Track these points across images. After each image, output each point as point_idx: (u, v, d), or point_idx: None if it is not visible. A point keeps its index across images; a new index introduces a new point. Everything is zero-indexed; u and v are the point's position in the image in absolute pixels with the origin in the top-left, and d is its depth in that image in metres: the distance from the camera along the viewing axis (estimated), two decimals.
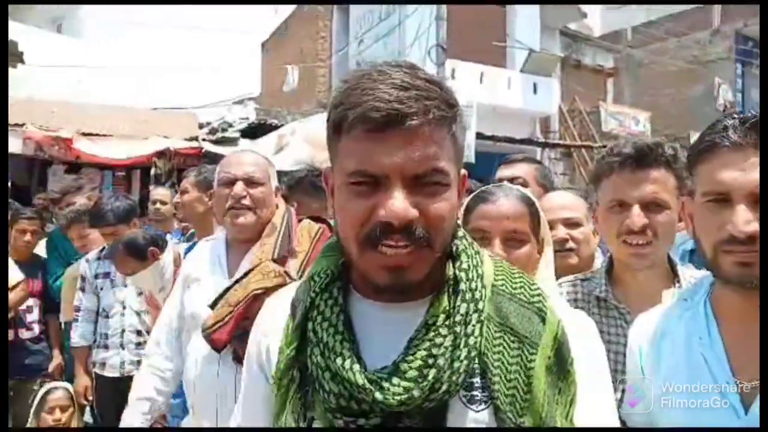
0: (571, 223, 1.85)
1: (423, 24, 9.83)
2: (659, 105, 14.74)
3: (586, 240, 1.87)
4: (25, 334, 3.54)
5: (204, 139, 7.43)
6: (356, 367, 0.75)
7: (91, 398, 3.18)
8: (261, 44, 15.25)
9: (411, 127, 0.73)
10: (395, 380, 0.74)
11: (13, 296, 3.37)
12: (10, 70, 10.21)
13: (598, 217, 1.50)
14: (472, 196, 1.41)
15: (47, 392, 3.06)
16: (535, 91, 11.66)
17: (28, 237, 3.66)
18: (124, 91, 10.69)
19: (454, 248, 0.84)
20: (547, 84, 11.86)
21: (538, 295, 0.84)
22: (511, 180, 2.17)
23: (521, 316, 0.80)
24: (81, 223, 3.44)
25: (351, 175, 0.76)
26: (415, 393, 0.73)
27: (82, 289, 3.24)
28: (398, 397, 0.73)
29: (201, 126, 8.12)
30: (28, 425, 3.03)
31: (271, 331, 0.91)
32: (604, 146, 12.46)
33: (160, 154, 6.65)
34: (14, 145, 6.35)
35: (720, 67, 14.75)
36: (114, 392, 3.04)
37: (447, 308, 0.79)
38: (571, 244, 1.83)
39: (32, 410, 3.03)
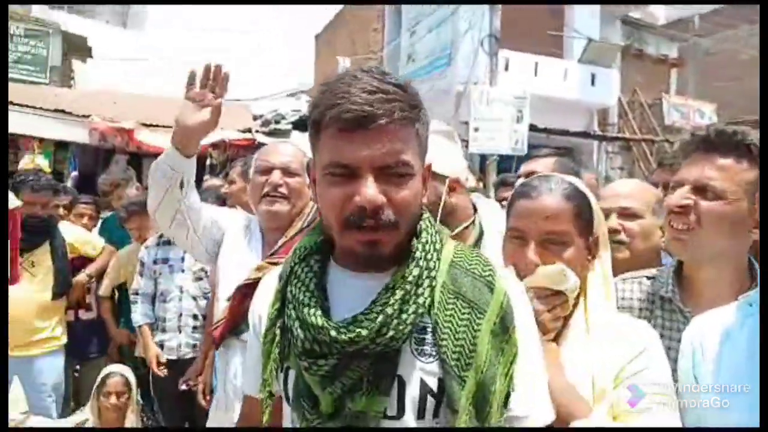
0: (628, 214, 1.70)
1: (476, 14, 9.65)
2: (726, 96, 13.93)
3: (644, 234, 1.70)
4: (84, 315, 3.73)
5: (257, 131, 7.59)
6: (318, 313, 0.91)
7: (164, 362, 3.31)
8: (315, 37, 15.42)
9: (378, 126, 0.86)
10: (351, 327, 0.88)
11: (100, 260, 3.59)
12: (80, 65, 10.78)
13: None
14: (514, 190, 1.29)
15: (106, 376, 3.21)
16: (593, 82, 11.25)
17: (85, 221, 3.87)
18: (183, 83, 11.05)
19: (417, 227, 0.98)
20: (606, 75, 11.41)
21: (490, 270, 0.97)
22: (527, 175, 1.99)
23: (473, 287, 0.94)
24: (140, 214, 3.60)
25: (328, 167, 0.91)
26: (363, 332, 0.87)
27: (141, 274, 3.38)
28: (349, 335, 0.87)
29: (255, 118, 8.30)
30: (89, 407, 3.18)
31: (262, 302, 1.08)
32: (666, 140, 11.94)
33: (215, 145, 6.84)
34: (80, 135, 6.70)
35: None
36: (171, 372, 3.18)
37: (405, 274, 0.92)
38: (622, 237, 1.68)
39: (93, 391, 3.19)
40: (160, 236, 3.39)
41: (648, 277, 1.43)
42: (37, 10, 11.26)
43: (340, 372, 0.88)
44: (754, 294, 1.08)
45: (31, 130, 6.42)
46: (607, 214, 1.61)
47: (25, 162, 6.26)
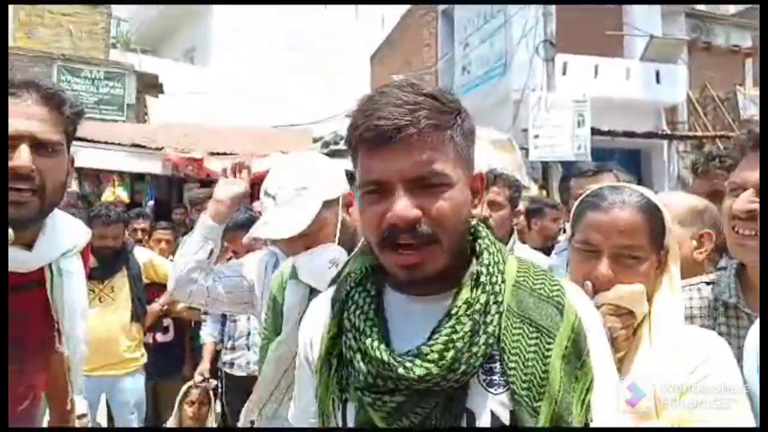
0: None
1: (530, 20, 9.53)
2: None
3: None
4: (160, 337, 3.94)
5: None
6: (383, 346, 0.85)
7: (212, 384, 3.47)
8: (370, 58, 15.69)
9: (405, 137, 0.83)
10: (417, 361, 0.82)
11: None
12: (153, 100, 11.50)
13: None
14: (580, 199, 1.25)
15: (189, 387, 3.40)
16: (658, 79, 10.75)
17: (162, 245, 4.11)
18: (247, 112, 11.54)
19: (477, 246, 0.93)
20: (671, 71, 10.89)
21: (558, 290, 0.91)
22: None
23: (540, 309, 0.88)
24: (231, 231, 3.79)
25: (363, 187, 0.89)
26: (434, 370, 0.81)
27: None
28: (419, 372, 0.81)
29: (315, 140, 8.53)
30: (172, 417, 3.37)
31: (313, 326, 1.02)
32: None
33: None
34: (154, 167, 7.12)
35: None
36: (241, 390, 3.30)
37: (468, 300, 0.87)
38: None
39: (176, 403, 3.37)
40: (229, 258, 3.56)
41: (707, 283, 1.37)
42: (114, 54, 12.14)
43: (409, 409, 0.83)
44: None
45: (111, 165, 6.89)
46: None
47: (107, 195, 6.73)
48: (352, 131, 0.89)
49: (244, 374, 3.39)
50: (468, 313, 0.85)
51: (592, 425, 0.85)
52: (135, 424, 3.51)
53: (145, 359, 3.62)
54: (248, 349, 3.40)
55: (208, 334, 3.59)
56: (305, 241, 1.61)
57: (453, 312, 0.86)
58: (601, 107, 9.10)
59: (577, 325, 0.87)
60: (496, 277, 0.89)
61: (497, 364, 0.85)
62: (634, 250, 1.13)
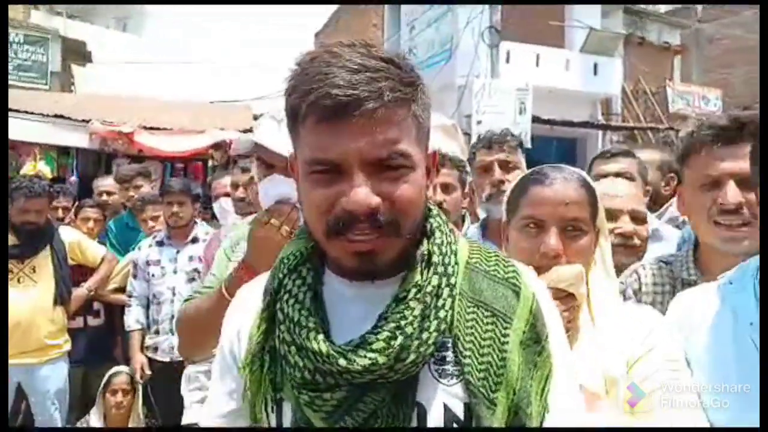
0: (640, 218, 1.71)
1: (476, 7, 9.57)
2: (731, 83, 13.79)
3: (645, 239, 1.73)
4: (92, 321, 3.71)
5: None
6: (320, 337, 0.75)
7: (145, 376, 3.32)
8: (314, 35, 15.37)
9: (366, 111, 0.71)
10: (361, 351, 0.73)
11: (101, 271, 3.55)
12: (79, 69, 10.79)
13: (685, 198, 1.37)
14: (522, 176, 1.24)
15: (112, 375, 3.21)
16: (595, 71, 11.13)
17: (91, 224, 3.85)
18: (182, 85, 11.04)
19: (428, 226, 0.84)
20: (608, 64, 11.30)
21: (513, 271, 0.84)
22: (618, 175, 2.03)
23: (495, 292, 0.80)
24: (155, 204, 3.61)
25: (310, 164, 0.76)
26: (380, 360, 0.72)
27: (134, 276, 3.37)
28: (363, 362, 0.72)
29: (255, 118, 8.26)
30: (95, 408, 3.18)
31: (241, 317, 0.90)
32: (671, 128, 11.82)
33: (217, 146, 6.80)
34: (81, 140, 6.67)
35: None
36: (165, 375, 3.19)
37: (419, 282, 0.78)
38: (636, 241, 1.68)
39: (99, 391, 3.18)
40: (154, 237, 3.39)
41: (665, 262, 1.43)
42: (36, 17, 11.26)
43: (351, 406, 0.74)
44: (734, 272, 1.07)
45: (32, 137, 6.40)
46: (617, 214, 1.64)
47: (27, 168, 6.25)
48: (299, 98, 0.74)
49: (167, 359, 3.25)
50: (418, 297, 0.77)
51: (549, 414, 0.78)
52: (56, 416, 3.28)
53: (68, 346, 3.38)
54: (172, 333, 3.25)
55: (134, 321, 3.37)
56: (284, 170, 1.47)
57: (401, 296, 0.77)
58: (541, 96, 9.31)
59: (535, 307, 0.81)
60: (449, 257, 0.81)
61: (450, 353, 0.77)
62: (579, 223, 1.13)
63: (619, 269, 1.53)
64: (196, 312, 1.44)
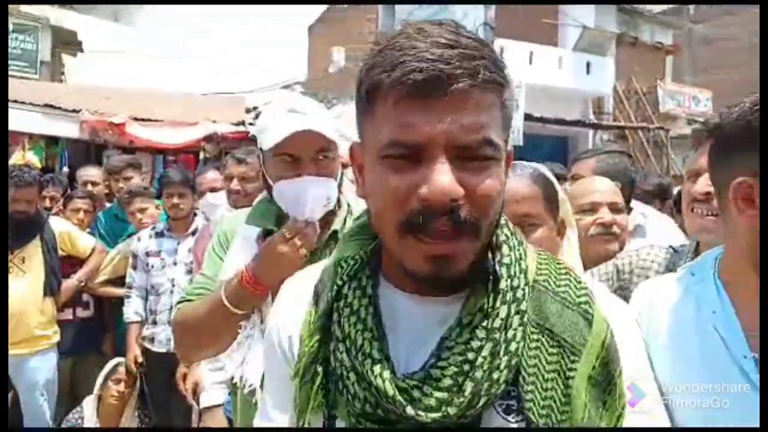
0: (617, 209, 1.81)
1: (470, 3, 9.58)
2: (722, 84, 13.90)
3: (625, 228, 1.84)
4: (81, 312, 3.68)
5: (251, 123, 7.52)
6: (386, 374, 0.68)
7: (140, 369, 3.31)
8: (308, 28, 15.30)
9: (458, 90, 0.63)
10: (427, 389, 0.66)
11: (91, 263, 3.52)
12: (70, 59, 10.67)
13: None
14: None
15: (117, 364, 3.21)
16: (588, 70, 11.21)
17: (81, 215, 3.81)
18: (176, 77, 10.96)
19: (494, 238, 0.74)
20: (601, 63, 11.38)
21: (585, 294, 0.75)
22: (574, 178, 2.18)
23: (564, 318, 0.71)
24: (143, 196, 3.57)
25: (387, 147, 0.66)
26: (451, 411, 0.65)
27: (134, 267, 3.35)
28: (432, 415, 0.65)
29: (248, 110, 8.23)
30: (95, 394, 3.17)
31: (291, 318, 0.83)
32: (661, 127, 11.90)
33: (209, 138, 6.78)
34: (71, 130, 6.62)
35: None
36: (161, 366, 3.17)
37: (485, 307, 0.70)
38: (615, 229, 1.78)
39: (100, 380, 3.16)
40: (153, 228, 3.37)
41: (675, 250, 1.51)
42: (26, 5, 11.12)
43: None
44: (695, 263, 1.10)
45: (21, 126, 6.34)
46: (597, 207, 1.76)
47: (16, 158, 6.18)
48: (379, 73, 0.65)
49: (164, 350, 3.23)
50: (485, 326, 0.69)
51: None
52: (45, 407, 3.26)
53: (57, 337, 3.36)
54: (169, 324, 3.24)
55: (133, 313, 3.35)
56: (319, 166, 1.36)
57: (466, 322, 0.69)
58: (534, 94, 9.34)
59: (609, 340, 0.72)
60: (518, 279, 0.72)
61: (515, 386, 0.69)
62: (531, 218, 1.17)
63: (602, 256, 1.67)
64: (195, 319, 1.37)
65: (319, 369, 0.75)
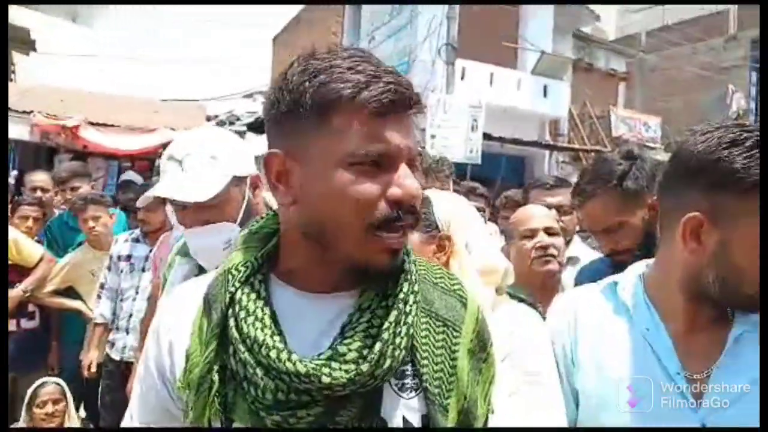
0: (553, 233, 1.94)
1: (434, 22, 9.78)
2: (671, 111, 14.60)
3: (560, 249, 1.98)
4: (26, 323, 3.53)
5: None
6: (294, 357, 0.72)
7: (93, 371, 3.24)
8: (272, 39, 15.26)
9: (418, 109, 0.77)
10: (335, 364, 0.72)
11: (38, 272, 3.39)
12: (22, 58, 10.30)
13: None
14: None
15: (38, 386, 3.06)
16: (545, 93, 11.56)
17: (29, 223, 3.67)
18: (134, 81, 10.73)
19: None
20: (557, 87, 11.76)
21: (457, 282, 0.88)
22: (558, 208, 2.30)
23: (444, 302, 0.84)
24: (98, 204, 3.48)
25: (355, 156, 0.73)
26: (364, 367, 0.72)
27: (108, 268, 3.31)
28: (347, 376, 0.71)
29: (208, 119, 8.14)
30: (21, 420, 3.03)
31: (176, 326, 0.85)
32: (612, 151, 12.35)
33: (166, 145, 6.66)
34: (21, 132, 6.39)
35: (734, 74, 14.58)
36: (114, 374, 3.13)
37: (387, 288, 0.79)
38: (552, 251, 1.90)
39: (24, 404, 3.02)
40: (132, 232, 3.34)
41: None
42: None
43: (327, 420, 0.73)
44: (620, 277, 1.15)
45: None
46: (535, 233, 1.90)
47: None
48: (344, 88, 0.72)
49: (117, 358, 3.17)
50: (384, 304, 0.77)
51: (492, 415, 0.85)
52: None
53: None
54: (127, 332, 3.17)
55: (99, 314, 3.29)
56: (206, 214, 1.43)
57: (365, 306, 0.77)
58: (493, 114, 9.57)
59: (480, 317, 0.85)
60: (413, 265, 0.82)
61: (408, 366, 0.78)
62: None
63: (544, 275, 1.86)
64: None
65: (215, 376, 0.77)
